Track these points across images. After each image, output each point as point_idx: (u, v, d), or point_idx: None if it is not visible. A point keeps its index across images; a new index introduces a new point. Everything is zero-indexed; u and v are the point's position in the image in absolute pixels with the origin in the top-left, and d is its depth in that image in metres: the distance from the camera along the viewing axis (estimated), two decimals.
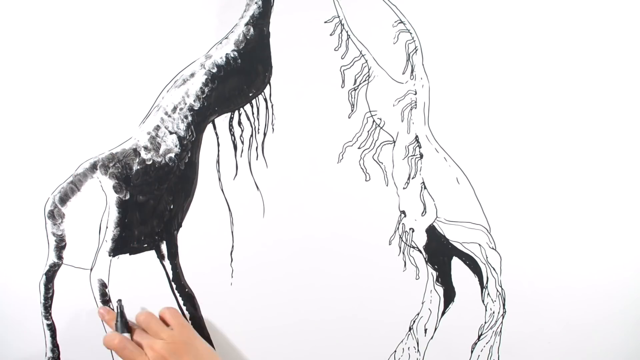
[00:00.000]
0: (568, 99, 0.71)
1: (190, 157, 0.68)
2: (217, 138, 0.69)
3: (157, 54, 0.65)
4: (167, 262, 0.69)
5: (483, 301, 0.75)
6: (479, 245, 0.74)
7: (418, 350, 0.75)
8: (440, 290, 0.75)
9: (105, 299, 0.68)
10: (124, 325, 0.64)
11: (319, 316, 0.74)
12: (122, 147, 0.66)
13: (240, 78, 0.67)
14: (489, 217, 0.73)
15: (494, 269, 0.74)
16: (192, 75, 0.66)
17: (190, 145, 0.68)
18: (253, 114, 0.69)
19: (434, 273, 0.74)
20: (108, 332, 0.69)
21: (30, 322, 0.68)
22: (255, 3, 0.66)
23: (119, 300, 0.65)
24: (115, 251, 0.68)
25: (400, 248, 0.73)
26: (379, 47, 0.68)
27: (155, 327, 0.63)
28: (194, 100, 0.67)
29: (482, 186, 0.72)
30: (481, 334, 0.75)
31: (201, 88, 0.67)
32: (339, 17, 0.67)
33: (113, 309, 0.66)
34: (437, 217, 0.73)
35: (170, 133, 0.67)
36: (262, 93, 0.68)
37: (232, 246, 0.70)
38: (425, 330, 0.75)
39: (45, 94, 0.64)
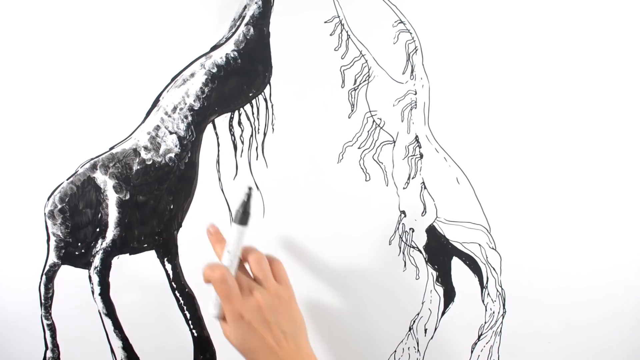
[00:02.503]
0: (568, 99, 0.71)
1: (190, 157, 0.68)
2: (217, 138, 0.69)
3: (157, 54, 0.65)
4: (167, 262, 0.69)
5: (483, 301, 0.75)
6: (479, 245, 0.74)
7: (418, 350, 0.75)
8: (440, 290, 0.75)
9: (107, 296, 0.68)
10: (244, 219, 0.55)
11: (319, 316, 0.74)
12: (122, 147, 0.66)
13: (240, 78, 0.67)
14: (489, 217, 0.73)
15: (494, 269, 0.74)
16: (192, 75, 0.66)
17: (190, 145, 0.68)
18: (253, 114, 0.69)
19: (434, 273, 0.74)
20: (108, 328, 0.69)
21: (30, 322, 0.68)
22: (255, 3, 0.66)
23: (250, 189, 0.56)
24: (115, 251, 0.68)
25: (400, 248, 0.73)
26: (379, 47, 0.68)
27: (264, 274, 0.56)
28: (194, 100, 0.67)
29: (482, 186, 0.72)
30: (481, 334, 0.75)
31: (201, 88, 0.67)
32: (339, 17, 0.67)
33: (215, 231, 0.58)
34: (437, 217, 0.73)
35: (170, 133, 0.67)
36: (262, 93, 0.68)
37: None
38: (425, 330, 0.75)
39: (46, 94, 0.64)
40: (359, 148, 0.70)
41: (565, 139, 0.72)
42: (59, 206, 0.66)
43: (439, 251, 0.74)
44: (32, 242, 0.66)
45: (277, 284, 0.57)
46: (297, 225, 0.71)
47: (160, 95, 0.66)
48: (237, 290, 0.54)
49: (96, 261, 0.67)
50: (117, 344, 0.69)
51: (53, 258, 0.66)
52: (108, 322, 0.69)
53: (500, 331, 0.75)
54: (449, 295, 0.75)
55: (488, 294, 0.75)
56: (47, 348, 0.68)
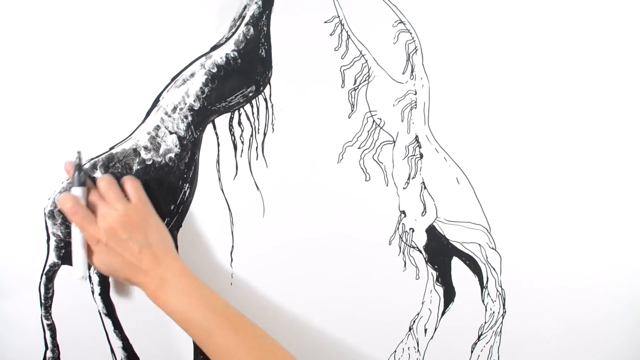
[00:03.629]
0: (568, 99, 0.71)
1: (190, 157, 0.68)
2: (217, 138, 0.69)
3: (157, 54, 0.65)
4: None
5: (483, 301, 0.75)
6: (479, 245, 0.74)
7: (418, 350, 0.75)
8: (440, 290, 0.75)
9: (107, 296, 0.68)
10: (80, 180, 0.61)
11: (319, 316, 0.74)
12: (122, 147, 0.66)
13: (240, 78, 0.67)
14: (489, 217, 0.73)
15: (494, 269, 0.74)
16: (192, 75, 0.66)
17: (190, 145, 0.68)
18: (253, 114, 0.69)
19: (434, 273, 0.74)
20: (108, 329, 0.69)
21: (30, 322, 0.68)
22: (255, 3, 0.66)
23: (79, 152, 0.63)
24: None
25: (400, 248, 0.73)
26: (379, 47, 0.68)
27: (113, 196, 0.60)
28: (194, 100, 0.67)
29: (482, 186, 0.72)
30: (481, 334, 0.75)
31: (201, 88, 0.67)
32: (339, 17, 0.67)
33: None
34: (437, 217, 0.73)
35: (170, 133, 0.67)
36: (262, 93, 0.68)
37: (232, 246, 0.70)
38: (425, 330, 0.75)
39: (46, 94, 0.64)
40: (359, 148, 0.70)
41: (565, 139, 0.72)
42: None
43: (439, 251, 0.74)
44: (32, 242, 0.66)
45: (128, 203, 0.61)
46: (297, 225, 0.71)
47: (160, 95, 0.66)
48: (91, 218, 0.59)
49: None
50: (117, 344, 0.69)
51: (53, 258, 0.66)
52: (108, 322, 0.69)
53: (500, 331, 0.75)
54: (449, 295, 0.75)
55: (488, 294, 0.75)
56: (47, 348, 0.68)
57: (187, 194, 0.69)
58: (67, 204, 0.59)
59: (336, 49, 0.68)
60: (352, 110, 0.70)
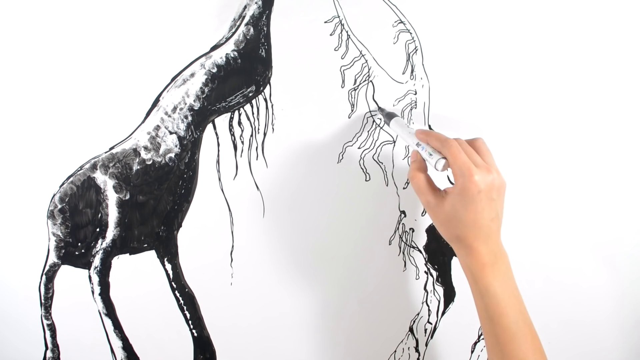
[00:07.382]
0: (568, 99, 0.71)
1: (190, 157, 0.68)
2: (217, 138, 0.69)
3: (157, 54, 0.65)
4: (167, 262, 0.69)
5: None
6: None
7: (418, 350, 0.75)
8: (440, 290, 0.75)
9: (107, 296, 0.68)
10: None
11: (319, 316, 0.74)
12: (122, 147, 0.66)
13: (240, 78, 0.67)
14: None
15: None
16: (192, 75, 0.66)
17: (190, 145, 0.68)
18: (253, 114, 0.69)
19: (434, 273, 0.74)
20: (108, 329, 0.69)
21: (30, 322, 0.68)
22: (255, 3, 0.66)
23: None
24: (115, 251, 0.68)
25: (400, 248, 0.73)
26: (379, 47, 0.68)
27: (492, 159, 0.58)
28: (194, 100, 0.67)
29: None
30: (481, 334, 0.75)
31: (201, 88, 0.67)
32: (339, 17, 0.67)
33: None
34: None
35: (170, 133, 0.67)
36: (262, 93, 0.68)
37: (232, 246, 0.70)
38: (425, 330, 0.75)
39: (46, 95, 0.64)
40: (359, 148, 0.70)
41: (565, 139, 0.72)
42: (59, 206, 0.66)
43: (439, 251, 0.74)
44: (32, 242, 0.66)
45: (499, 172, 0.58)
46: (297, 225, 0.71)
47: (160, 95, 0.66)
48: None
49: (96, 261, 0.67)
50: (117, 344, 0.69)
51: (53, 258, 0.66)
52: (108, 322, 0.69)
53: None
54: (449, 295, 0.75)
55: None
56: (47, 348, 0.68)
57: (187, 194, 0.69)
58: (451, 147, 0.56)
59: (336, 49, 0.68)
60: (352, 110, 0.70)
